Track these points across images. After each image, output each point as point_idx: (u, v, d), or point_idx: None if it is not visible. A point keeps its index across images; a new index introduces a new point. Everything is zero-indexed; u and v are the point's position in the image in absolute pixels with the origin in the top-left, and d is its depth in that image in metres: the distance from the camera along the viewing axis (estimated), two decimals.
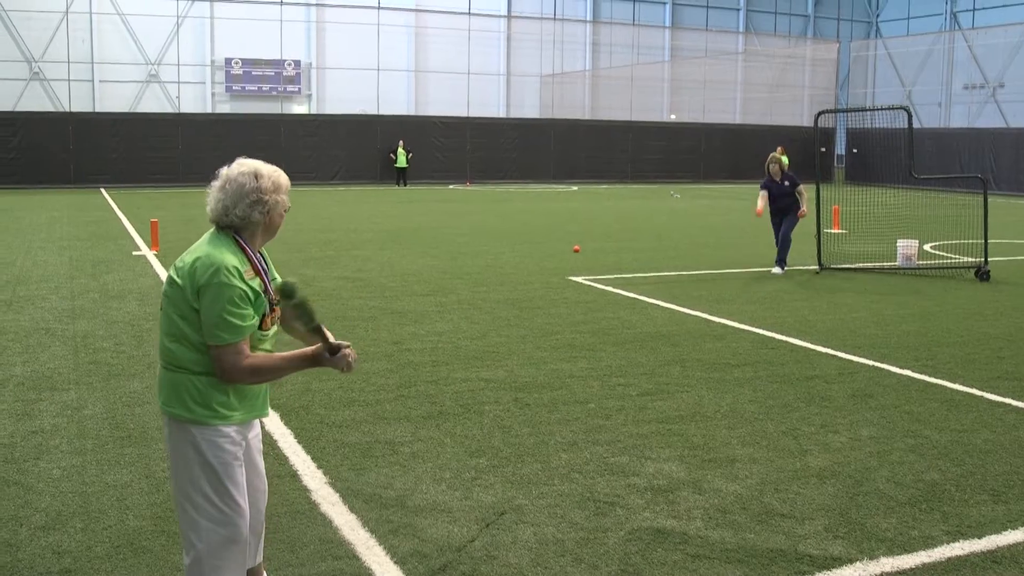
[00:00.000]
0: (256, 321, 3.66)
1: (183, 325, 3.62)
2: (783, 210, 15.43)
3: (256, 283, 3.68)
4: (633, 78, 57.45)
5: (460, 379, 8.22)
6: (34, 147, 37.18)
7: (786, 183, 15.37)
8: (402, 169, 41.32)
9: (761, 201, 15.40)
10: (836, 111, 17.57)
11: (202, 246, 3.70)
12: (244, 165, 3.76)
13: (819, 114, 16.41)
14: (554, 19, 58.30)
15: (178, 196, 32.38)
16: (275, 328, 3.84)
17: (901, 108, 15.49)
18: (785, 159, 35.54)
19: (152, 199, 31.11)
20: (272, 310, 3.77)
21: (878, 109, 18.20)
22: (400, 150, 41.33)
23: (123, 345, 9.47)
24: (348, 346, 3.75)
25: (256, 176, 3.72)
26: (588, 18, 60.19)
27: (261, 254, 3.83)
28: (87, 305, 11.67)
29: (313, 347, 3.74)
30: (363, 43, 52.81)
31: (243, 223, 3.71)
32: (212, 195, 3.74)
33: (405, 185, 41.00)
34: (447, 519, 5.20)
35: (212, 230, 3.77)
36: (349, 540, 4.94)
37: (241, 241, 3.72)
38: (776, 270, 15.21)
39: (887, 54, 59.78)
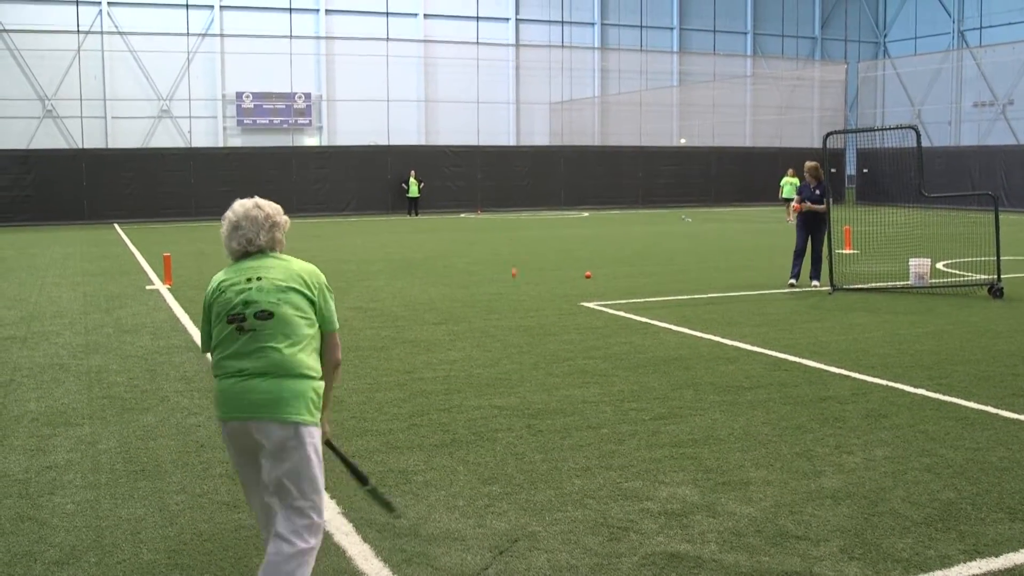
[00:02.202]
0: None
1: (308, 329, 4.27)
2: (810, 220, 16.12)
3: None
4: (642, 104, 57.64)
5: (473, 407, 8.22)
6: (47, 184, 37.45)
7: (817, 191, 16.06)
8: (414, 199, 41.45)
9: (795, 201, 16.54)
10: (845, 132, 17.54)
11: (284, 263, 4.41)
12: (246, 203, 4.53)
13: (827, 135, 16.42)
14: (562, 47, 58.62)
15: (191, 230, 32.55)
16: None
17: (909, 127, 15.49)
18: (796, 180, 35.61)
19: (165, 234, 31.29)
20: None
21: (886, 129, 18.20)
22: (412, 180, 41.47)
23: (136, 379, 9.51)
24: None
25: (258, 207, 4.57)
26: (596, 45, 60.49)
27: None
28: (101, 340, 11.73)
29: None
30: (373, 74, 53.17)
31: (271, 243, 4.48)
32: (236, 234, 4.42)
33: (417, 215, 41.12)
34: (460, 547, 5.19)
35: (260, 254, 4.44)
36: (363, 570, 4.94)
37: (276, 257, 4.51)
38: (815, 283, 15.98)
39: (895, 74, 59.84)
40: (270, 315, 4.19)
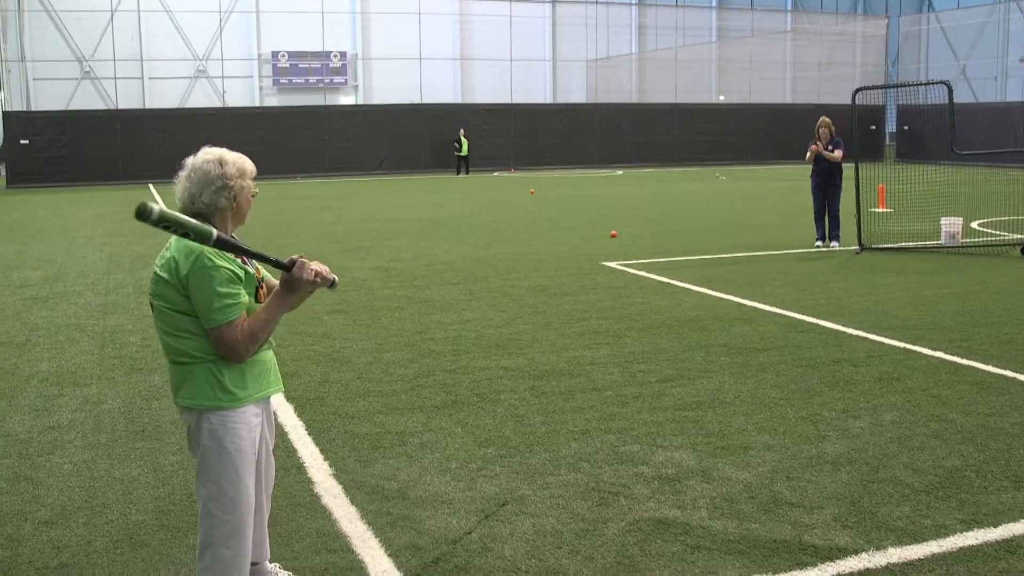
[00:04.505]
0: (248, 298, 3.72)
1: (180, 319, 3.69)
2: (826, 179, 15.79)
3: (237, 262, 3.73)
4: (679, 60, 56.97)
5: (479, 368, 8.15)
6: (83, 145, 37.71)
7: (830, 147, 15.72)
8: (464, 157, 41.38)
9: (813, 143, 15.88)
10: (875, 87, 17.16)
11: (176, 240, 3.70)
12: (209, 153, 3.81)
13: (856, 91, 16.09)
14: (598, 2, 57.93)
15: None
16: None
17: (941, 83, 15.12)
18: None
19: None
20: (259, 288, 3.81)
21: (917, 84, 17.79)
22: (462, 138, 41.40)
23: (149, 339, 9.52)
24: (300, 256, 3.71)
25: (220, 163, 3.77)
26: (633, 1, 59.71)
27: (234, 238, 3.81)
28: (120, 300, 11.77)
29: (280, 277, 3.73)
30: (408, 33, 52.96)
31: (210, 209, 3.76)
32: (179, 184, 3.79)
33: (468, 172, 41.05)
34: (447, 511, 5.13)
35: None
36: (346, 533, 4.90)
37: None
38: (834, 244, 15.63)
39: (939, 28, 58.69)
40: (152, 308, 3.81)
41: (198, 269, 3.59)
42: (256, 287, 3.79)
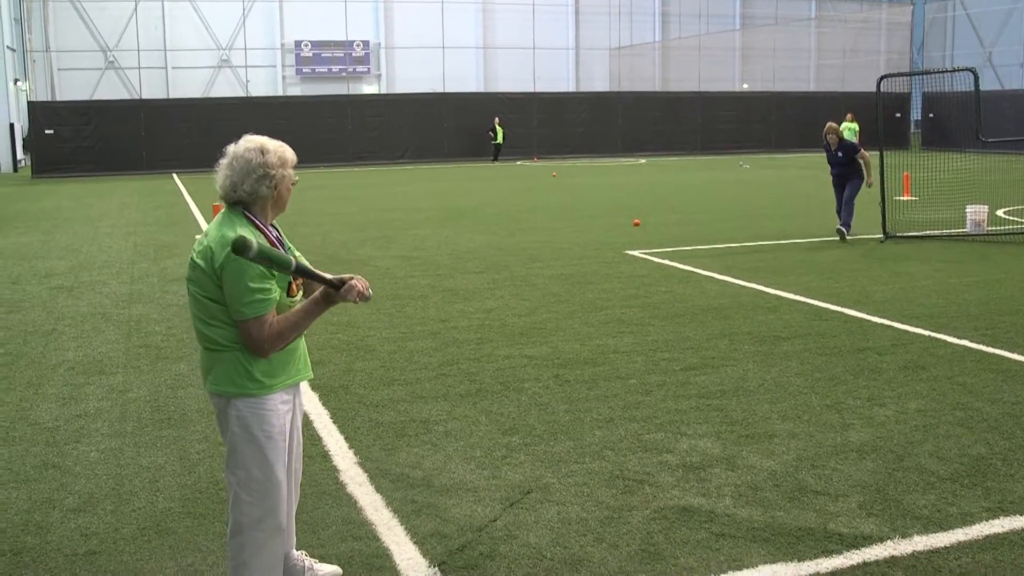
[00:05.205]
0: (279, 293, 3.73)
1: (212, 307, 3.73)
2: (844, 176, 15.36)
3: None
4: (703, 48, 56.69)
5: (503, 356, 8.16)
6: (108, 135, 37.89)
7: (839, 153, 15.27)
8: (499, 145, 41.53)
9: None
10: (899, 75, 17.00)
11: (215, 227, 3.76)
12: (250, 141, 3.81)
13: (881, 78, 15.95)
14: None
15: None
16: (301, 294, 3.90)
17: (968, 70, 14.98)
18: (855, 125, 34.81)
19: None
20: (296, 277, 3.82)
21: (943, 72, 17.65)
22: (497, 126, 41.54)
23: (174, 328, 9.58)
24: (352, 278, 3.73)
25: (262, 151, 3.77)
26: None
27: (274, 227, 3.92)
28: (145, 289, 11.85)
29: (321, 288, 3.77)
30: (431, 21, 52.94)
31: (252, 198, 3.78)
32: (220, 172, 3.81)
33: (496, 160, 41.27)
34: (472, 499, 5.15)
35: (224, 209, 3.85)
36: (371, 521, 4.92)
37: (252, 216, 3.80)
38: (842, 230, 15.10)
39: (965, 15, 58.14)
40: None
41: (232, 262, 3.60)
42: (289, 282, 3.81)
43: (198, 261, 3.71)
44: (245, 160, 3.74)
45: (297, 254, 3.93)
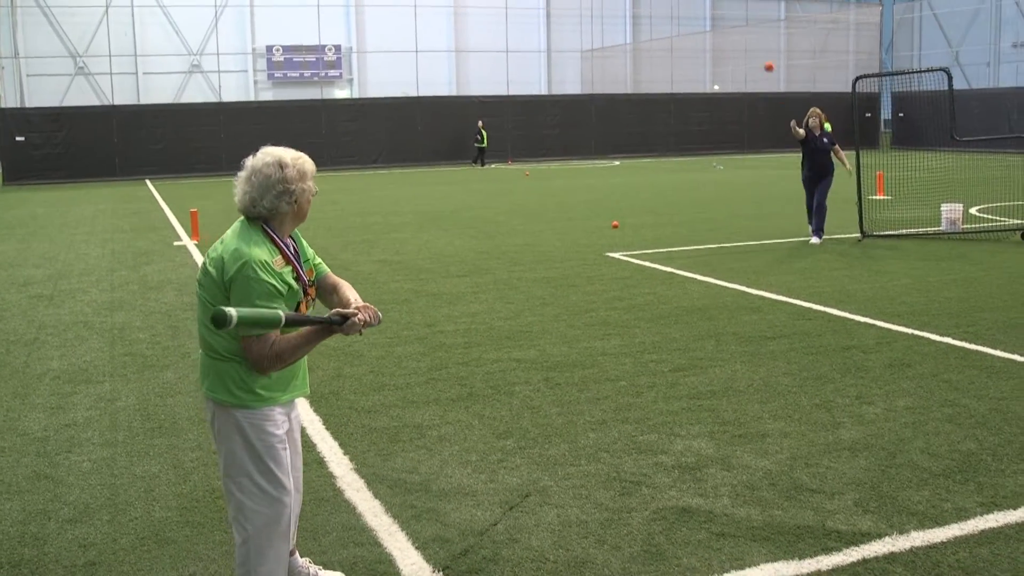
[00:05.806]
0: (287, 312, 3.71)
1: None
2: (819, 172, 15.08)
3: (287, 271, 3.74)
4: (674, 50, 56.89)
5: (491, 360, 8.17)
6: (80, 141, 37.59)
7: (824, 140, 15.09)
8: (483, 149, 41.52)
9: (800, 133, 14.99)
10: (875, 75, 17.15)
11: (232, 238, 3.74)
12: (269, 155, 3.77)
13: (857, 79, 16.09)
14: None
15: (222, 185, 32.58)
16: (312, 310, 3.89)
17: (941, 70, 15.14)
18: (828, 126, 35.03)
19: (196, 189, 31.41)
20: (306, 294, 3.83)
21: (918, 72, 17.82)
22: (482, 130, 41.56)
23: (159, 336, 9.54)
24: (356, 312, 3.70)
25: (281, 166, 3.73)
26: None
27: (293, 237, 3.89)
28: (126, 297, 11.78)
29: (327, 315, 3.73)
30: (403, 25, 52.81)
31: (271, 213, 3.76)
32: (239, 186, 3.77)
33: (483, 165, 41.17)
34: (471, 503, 5.16)
35: (241, 219, 3.82)
36: (372, 526, 4.92)
37: (270, 230, 3.77)
38: (814, 240, 14.90)
39: (932, 15, 58.66)
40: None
41: (242, 277, 3.59)
42: (298, 302, 3.79)
43: (210, 268, 3.70)
44: (264, 175, 3.70)
45: (317, 261, 3.95)
